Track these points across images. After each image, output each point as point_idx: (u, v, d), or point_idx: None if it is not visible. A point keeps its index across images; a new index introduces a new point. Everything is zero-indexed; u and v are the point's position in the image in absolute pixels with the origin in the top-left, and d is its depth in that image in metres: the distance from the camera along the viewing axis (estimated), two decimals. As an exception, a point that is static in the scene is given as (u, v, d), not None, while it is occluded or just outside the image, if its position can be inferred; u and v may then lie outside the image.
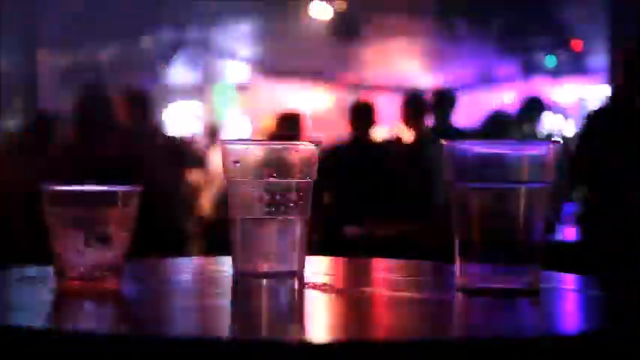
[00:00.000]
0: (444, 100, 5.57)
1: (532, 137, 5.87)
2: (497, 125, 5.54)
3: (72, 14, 7.31)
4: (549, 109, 9.10)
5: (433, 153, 4.35)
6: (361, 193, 4.88)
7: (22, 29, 7.69)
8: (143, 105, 5.12)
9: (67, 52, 8.38)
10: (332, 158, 5.00)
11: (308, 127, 5.88)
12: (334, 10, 7.63)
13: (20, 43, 7.89)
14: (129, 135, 4.87)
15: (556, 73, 9.77)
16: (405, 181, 4.69)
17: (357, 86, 10.78)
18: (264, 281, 1.46)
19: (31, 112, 8.01)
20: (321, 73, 10.34)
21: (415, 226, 3.32)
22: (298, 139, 5.56)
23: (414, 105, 5.55)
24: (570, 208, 4.30)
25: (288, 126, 5.70)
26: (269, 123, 6.29)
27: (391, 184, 4.80)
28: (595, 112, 4.03)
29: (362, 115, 5.39)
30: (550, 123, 8.98)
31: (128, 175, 4.77)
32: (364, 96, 8.36)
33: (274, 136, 5.75)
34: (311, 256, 1.58)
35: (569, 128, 9.06)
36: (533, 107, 6.26)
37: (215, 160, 6.04)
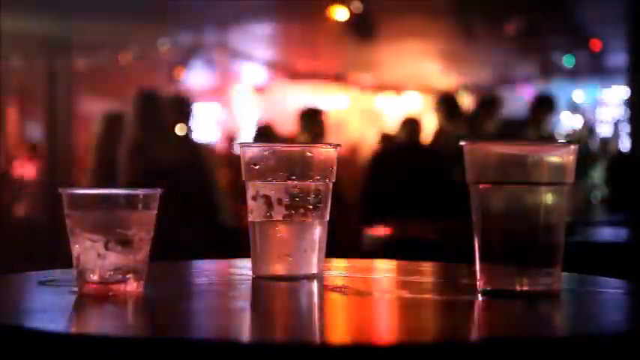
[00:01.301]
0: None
1: (543, 136, 5.87)
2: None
3: (92, 17, 7.35)
4: (568, 108, 9.08)
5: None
6: (392, 192, 4.91)
7: (44, 31, 7.74)
8: (188, 108, 5.15)
9: (87, 54, 8.42)
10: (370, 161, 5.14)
11: (329, 125, 5.94)
12: (351, 11, 7.62)
13: (41, 44, 7.94)
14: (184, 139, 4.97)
15: (574, 73, 9.73)
16: (449, 181, 4.71)
17: (374, 87, 10.77)
18: (284, 284, 1.46)
19: (53, 114, 8.06)
20: (338, 74, 10.34)
21: (445, 227, 3.31)
22: (321, 136, 5.63)
23: (448, 105, 5.62)
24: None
25: (311, 122, 5.75)
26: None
27: (431, 184, 4.83)
28: None
29: (412, 120, 5.55)
30: (568, 123, 8.95)
31: (189, 177, 4.82)
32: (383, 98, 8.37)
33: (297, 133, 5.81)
34: (331, 258, 1.58)
35: (587, 128, 9.01)
36: (544, 106, 6.26)
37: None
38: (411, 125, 5.60)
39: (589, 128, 8.40)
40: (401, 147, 5.46)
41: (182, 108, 5.07)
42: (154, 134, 4.80)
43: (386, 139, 6.44)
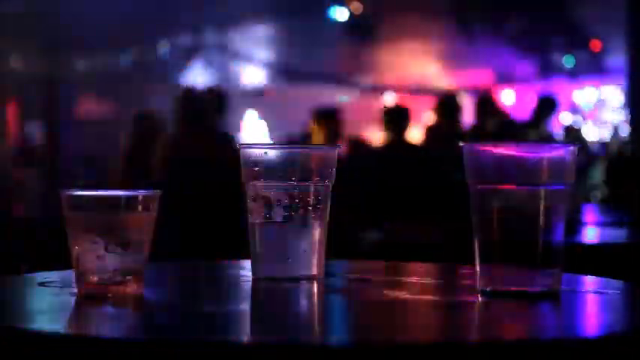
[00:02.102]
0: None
1: (545, 136, 5.88)
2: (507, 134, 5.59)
3: (92, 18, 7.35)
4: (568, 109, 9.09)
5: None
6: (390, 195, 4.89)
7: (43, 33, 7.74)
8: (223, 103, 5.08)
9: (87, 55, 8.42)
10: (364, 161, 5.10)
11: (343, 125, 5.91)
12: (351, 12, 7.62)
13: (41, 46, 7.94)
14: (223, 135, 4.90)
15: (574, 73, 9.73)
16: (446, 182, 4.71)
17: (373, 88, 10.77)
18: (284, 285, 1.46)
19: (53, 115, 8.06)
20: (338, 75, 10.34)
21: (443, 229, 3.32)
22: (337, 136, 5.59)
23: (448, 106, 5.61)
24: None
25: (327, 122, 5.73)
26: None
27: (428, 186, 4.82)
28: None
29: (397, 118, 5.45)
30: (568, 123, 8.95)
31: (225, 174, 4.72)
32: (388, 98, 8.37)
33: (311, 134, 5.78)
34: (330, 260, 1.58)
35: (587, 128, 9.03)
36: (545, 106, 6.27)
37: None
38: (397, 116, 5.48)
39: (579, 127, 8.42)
40: (400, 147, 5.43)
41: (216, 101, 4.98)
42: (192, 131, 4.73)
43: (355, 145, 6.39)
